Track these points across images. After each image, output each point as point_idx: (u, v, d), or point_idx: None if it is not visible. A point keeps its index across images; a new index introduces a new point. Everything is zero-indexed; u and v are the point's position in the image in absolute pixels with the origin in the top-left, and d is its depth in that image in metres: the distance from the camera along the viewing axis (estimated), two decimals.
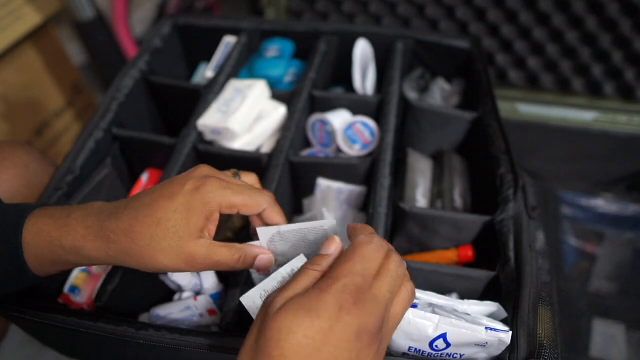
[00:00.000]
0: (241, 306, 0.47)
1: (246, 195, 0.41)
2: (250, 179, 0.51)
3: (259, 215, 0.44)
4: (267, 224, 0.44)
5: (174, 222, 0.38)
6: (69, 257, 0.39)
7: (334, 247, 0.36)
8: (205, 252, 0.39)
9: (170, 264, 0.38)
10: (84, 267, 0.56)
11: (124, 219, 0.38)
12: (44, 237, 0.39)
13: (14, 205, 0.42)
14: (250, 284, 0.50)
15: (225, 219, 0.65)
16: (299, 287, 0.32)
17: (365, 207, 0.65)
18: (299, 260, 0.39)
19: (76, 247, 0.39)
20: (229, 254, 0.40)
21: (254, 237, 0.45)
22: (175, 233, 0.38)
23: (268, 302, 0.32)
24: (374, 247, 0.34)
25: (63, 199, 0.56)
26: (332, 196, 0.65)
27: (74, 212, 0.40)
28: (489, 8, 0.93)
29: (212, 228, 0.40)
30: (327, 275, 0.32)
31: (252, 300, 0.38)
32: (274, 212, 0.44)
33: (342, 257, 0.33)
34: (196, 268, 0.39)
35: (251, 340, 0.31)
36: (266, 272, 0.42)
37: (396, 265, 0.35)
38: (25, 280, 0.41)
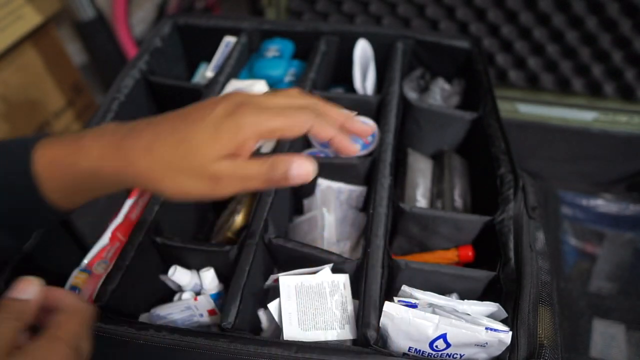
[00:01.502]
0: (241, 306, 0.47)
1: (287, 116, 0.36)
2: (293, 92, 0.41)
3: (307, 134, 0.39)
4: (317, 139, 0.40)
5: (199, 140, 0.34)
6: (88, 182, 0.37)
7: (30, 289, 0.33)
8: (232, 169, 0.35)
9: (192, 186, 0.35)
10: (83, 267, 0.56)
11: (144, 137, 0.35)
12: (56, 166, 0.36)
13: (12, 140, 0.37)
14: (250, 285, 0.50)
15: (225, 219, 0.65)
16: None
17: (365, 207, 0.65)
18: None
19: (93, 170, 0.35)
20: (258, 164, 0.35)
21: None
22: (198, 151, 0.34)
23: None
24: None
25: None
26: (332, 196, 0.65)
27: (86, 135, 0.36)
28: (489, 8, 0.93)
29: (245, 156, 0.36)
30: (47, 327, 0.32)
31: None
32: (321, 127, 0.38)
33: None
34: (222, 190, 0.35)
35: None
36: (307, 180, 0.36)
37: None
38: (49, 216, 0.37)
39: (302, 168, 0.36)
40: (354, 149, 0.40)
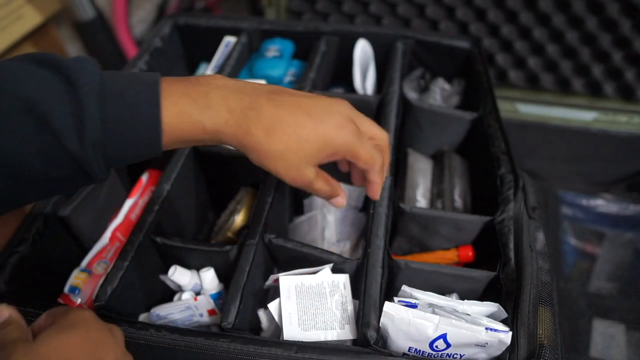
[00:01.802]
0: (241, 306, 0.47)
1: (369, 154, 0.44)
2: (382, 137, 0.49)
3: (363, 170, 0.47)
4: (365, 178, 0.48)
5: (310, 146, 0.41)
6: (204, 138, 0.39)
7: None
8: (311, 177, 0.43)
9: (283, 172, 0.41)
10: (83, 267, 0.56)
11: (266, 114, 0.39)
12: (185, 119, 0.38)
13: (137, 76, 0.38)
14: (250, 286, 0.50)
15: (225, 219, 0.65)
16: None
17: (365, 207, 0.65)
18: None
19: (216, 131, 0.39)
20: (326, 188, 0.45)
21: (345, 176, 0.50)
22: (305, 155, 0.41)
23: None
24: None
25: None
26: None
27: (211, 91, 0.39)
28: (489, 8, 0.93)
29: (326, 160, 0.44)
30: None
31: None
32: (376, 176, 0.46)
33: None
34: (295, 185, 0.43)
35: None
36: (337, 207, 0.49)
37: None
38: (151, 156, 0.39)
39: (340, 202, 0.47)
40: (376, 196, 0.49)
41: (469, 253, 0.57)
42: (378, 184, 0.47)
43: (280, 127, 0.40)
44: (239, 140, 0.40)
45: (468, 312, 0.45)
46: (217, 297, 0.55)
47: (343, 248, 0.57)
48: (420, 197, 0.65)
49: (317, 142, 0.41)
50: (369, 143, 0.45)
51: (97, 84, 0.35)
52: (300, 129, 0.40)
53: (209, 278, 0.56)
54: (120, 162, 0.38)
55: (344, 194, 0.47)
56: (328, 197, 0.46)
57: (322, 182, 0.44)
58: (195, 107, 0.38)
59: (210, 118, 0.38)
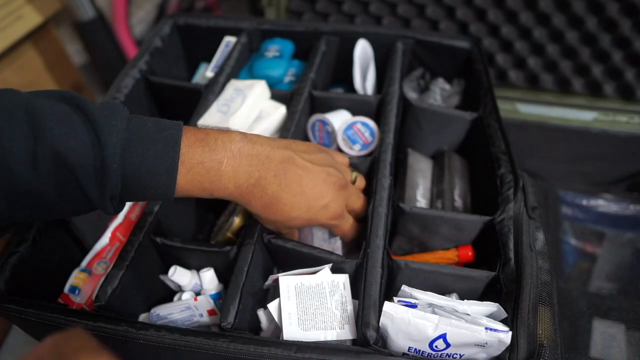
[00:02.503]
0: (240, 306, 0.47)
1: (345, 231, 0.54)
2: (361, 181, 0.59)
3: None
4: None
5: (296, 223, 0.49)
6: (214, 195, 0.44)
7: None
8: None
9: (271, 228, 0.53)
10: (83, 267, 0.56)
11: (269, 194, 0.45)
12: (196, 185, 0.42)
13: (159, 132, 0.40)
14: (248, 285, 0.50)
15: (225, 220, 0.65)
16: None
17: None
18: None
19: (224, 195, 0.44)
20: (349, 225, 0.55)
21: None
22: (291, 225, 0.49)
23: None
24: None
25: None
26: None
27: (225, 161, 0.42)
28: (489, 8, 0.93)
29: None
30: None
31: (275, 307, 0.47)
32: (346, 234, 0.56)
33: None
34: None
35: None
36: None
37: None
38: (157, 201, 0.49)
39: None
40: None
41: (468, 253, 0.57)
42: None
43: (276, 206, 0.46)
44: (247, 204, 0.46)
45: (468, 312, 0.45)
46: (217, 297, 0.55)
47: (334, 245, 0.57)
48: (420, 197, 0.65)
49: (303, 220, 0.48)
50: (350, 219, 0.54)
51: (122, 143, 0.38)
52: (293, 211, 0.47)
53: (209, 278, 0.56)
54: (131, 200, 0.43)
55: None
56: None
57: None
58: (207, 178, 0.42)
59: (218, 190, 0.43)
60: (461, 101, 0.78)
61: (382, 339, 0.44)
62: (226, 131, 0.44)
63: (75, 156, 0.36)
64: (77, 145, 0.36)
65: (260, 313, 0.53)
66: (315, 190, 0.47)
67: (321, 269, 0.50)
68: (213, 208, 0.74)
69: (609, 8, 0.85)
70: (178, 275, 0.55)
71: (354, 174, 0.57)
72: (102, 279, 0.50)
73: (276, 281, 0.50)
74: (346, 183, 0.51)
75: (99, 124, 0.37)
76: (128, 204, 0.62)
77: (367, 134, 0.66)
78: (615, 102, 0.93)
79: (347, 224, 0.53)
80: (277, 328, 0.50)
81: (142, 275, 0.54)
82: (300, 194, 0.46)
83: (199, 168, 0.41)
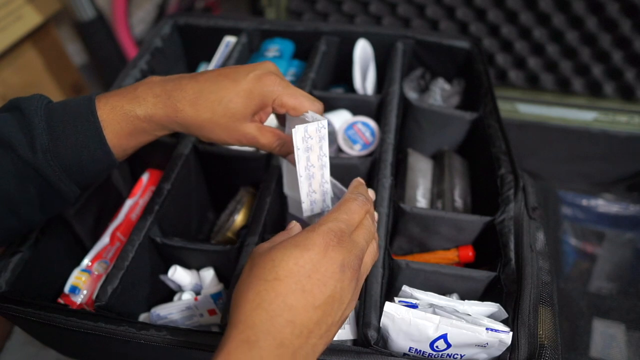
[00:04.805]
0: None
1: (297, 99, 0.45)
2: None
3: None
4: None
5: (234, 104, 0.43)
6: (144, 125, 0.43)
7: None
8: (254, 133, 0.45)
9: (225, 137, 0.45)
10: (84, 267, 0.56)
11: (189, 91, 0.42)
12: (118, 111, 0.42)
13: (77, 97, 0.44)
14: None
15: (225, 219, 0.65)
16: (285, 235, 0.38)
17: None
18: None
19: (149, 115, 0.42)
20: (273, 139, 0.46)
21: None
22: (233, 114, 0.43)
23: (256, 248, 0.36)
24: (358, 204, 0.38)
25: None
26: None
27: (139, 86, 0.43)
28: (489, 8, 0.93)
29: (264, 116, 0.46)
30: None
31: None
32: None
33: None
34: (244, 144, 0.46)
35: (244, 275, 0.34)
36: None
37: (370, 223, 0.39)
38: (106, 161, 0.43)
39: (292, 158, 0.44)
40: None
41: (469, 253, 0.57)
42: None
43: (203, 97, 0.43)
44: (173, 120, 0.43)
45: (469, 313, 0.45)
46: (217, 297, 0.55)
47: None
48: (421, 197, 0.65)
49: (240, 98, 0.43)
50: (297, 89, 0.45)
51: (42, 105, 0.41)
52: (222, 92, 0.43)
53: (209, 278, 0.56)
54: (81, 172, 0.43)
55: None
56: (281, 152, 0.47)
57: (268, 136, 0.46)
58: (125, 100, 0.42)
59: (139, 105, 0.42)
60: (461, 101, 0.78)
61: (383, 339, 0.44)
62: None
63: (7, 130, 0.40)
64: (6, 124, 0.40)
65: None
66: (239, 69, 0.44)
67: None
68: (213, 208, 0.74)
69: (609, 8, 0.86)
70: (178, 275, 0.55)
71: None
72: (103, 278, 0.50)
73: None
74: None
75: (21, 101, 0.41)
76: (128, 204, 0.62)
77: (367, 134, 0.66)
78: (615, 102, 0.93)
79: (292, 92, 0.45)
80: None
81: (142, 275, 0.54)
82: (223, 78, 0.44)
83: (116, 97, 0.43)
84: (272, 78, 0.44)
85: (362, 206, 0.39)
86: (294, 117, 0.45)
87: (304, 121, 0.43)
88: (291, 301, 0.31)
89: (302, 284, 0.32)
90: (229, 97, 0.43)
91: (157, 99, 0.42)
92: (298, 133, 0.39)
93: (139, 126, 0.43)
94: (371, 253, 0.39)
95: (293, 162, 0.45)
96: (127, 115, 0.42)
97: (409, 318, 0.41)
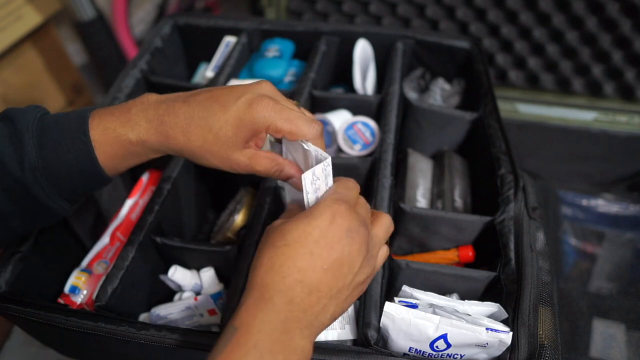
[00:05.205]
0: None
1: (293, 124, 0.42)
2: (308, 112, 0.48)
3: None
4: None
5: (224, 132, 0.41)
6: (137, 149, 0.42)
7: None
8: (247, 161, 0.43)
9: (218, 164, 0.43)
10: (84, 267, 0.56)
11: (181, 116, 0.41)
12: (110, 134, 0.41)
13: (71, 111, 0.43)
14: None
15: (225, 219, 0.65)
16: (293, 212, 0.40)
17: None
18: None
19: (142, 140, 0.41)
20: (269, 166, 0.44)
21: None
22: (224, 142, 0.41)
23: (270, 225, 0.38)
24: (352, 182, 0.41)
25: None
26: None
27: (133, 108, 0.42)
28: (489, 8, 0.93)
29: (259, 142, 0.44)
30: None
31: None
32: (316, 145, 0.44)
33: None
34: (239, 172, 0.44)
35: (260, 246, 0.37)
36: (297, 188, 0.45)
37: (364, 202, 0.41)
38: (98, 179, 0.43)
39: (295, 182, 0.44)
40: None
41: (469, 253, 0.57)
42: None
43: (194, 123, 0.41)
44: (166, 146, 0.42)
45: (469, 313, 0.45)
46: (217, 297, 0.55)
47: None
48: (421, 197, 0.65)
49: (229, 126, 0.41)
50: (292, 112, 0.42)
51: (36, 118, 0.41)
52: (211, 119, 0.41)
53: (209, 278, 0.56)
54: (72, 189, 0.43)
55: (296, 168, 0.44)
56: (280, 177, 0.45)
57: (264, 162, 0.44)
58: (118, 122, 0.41)
59: (131, 130, 0.41)
60: (461, 101, 0.78)
61: (383, 339, 0.44)
62: None
63: None
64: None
65: None
66: (230, 92, 0.43)
67: None
68: (213, 208, 0.74)
69: (609, 8, 0.86)
70: (178, 275, 0.55)
71: (295, 102, 0.47)
72: (103, 278, 0.50)
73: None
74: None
75: (13, 114, 0.41)
76: (128, 204, 0.62)
77: (367, 134, 0.66)
78: (615, 102, 0.93)
79: (287, 115, 0.42)
80: None
81: (142, 275, 0.54)
82: (213, 103, 0.42)
83: (108, 117, 0.42)
84: (264, 103, 0.41)
85: (356, 186, 0.41)
86: (291, 141, 0.43)
87: (302, 148, 0.42)
88: (300, 263, 0.34)
89: (310, 248, 0.35)
90: (219, 125, 0.41)
91: (149, 124, 0.41)
92: (307, 179, 0.38)
93: (132, 149, 0.42)
94: (384, 225, 0.41)
95: (296, 186, 0.44)
96: (119, 138, 0.41)
97: (409, 318, 0.41)
